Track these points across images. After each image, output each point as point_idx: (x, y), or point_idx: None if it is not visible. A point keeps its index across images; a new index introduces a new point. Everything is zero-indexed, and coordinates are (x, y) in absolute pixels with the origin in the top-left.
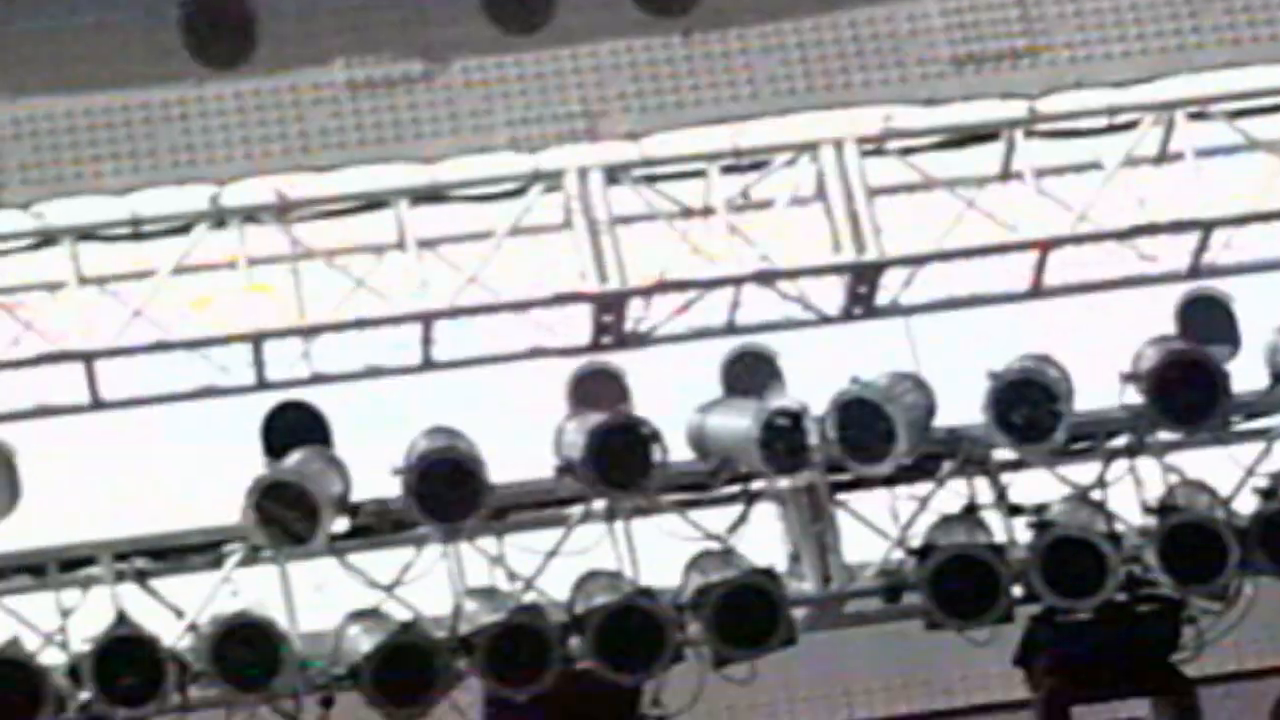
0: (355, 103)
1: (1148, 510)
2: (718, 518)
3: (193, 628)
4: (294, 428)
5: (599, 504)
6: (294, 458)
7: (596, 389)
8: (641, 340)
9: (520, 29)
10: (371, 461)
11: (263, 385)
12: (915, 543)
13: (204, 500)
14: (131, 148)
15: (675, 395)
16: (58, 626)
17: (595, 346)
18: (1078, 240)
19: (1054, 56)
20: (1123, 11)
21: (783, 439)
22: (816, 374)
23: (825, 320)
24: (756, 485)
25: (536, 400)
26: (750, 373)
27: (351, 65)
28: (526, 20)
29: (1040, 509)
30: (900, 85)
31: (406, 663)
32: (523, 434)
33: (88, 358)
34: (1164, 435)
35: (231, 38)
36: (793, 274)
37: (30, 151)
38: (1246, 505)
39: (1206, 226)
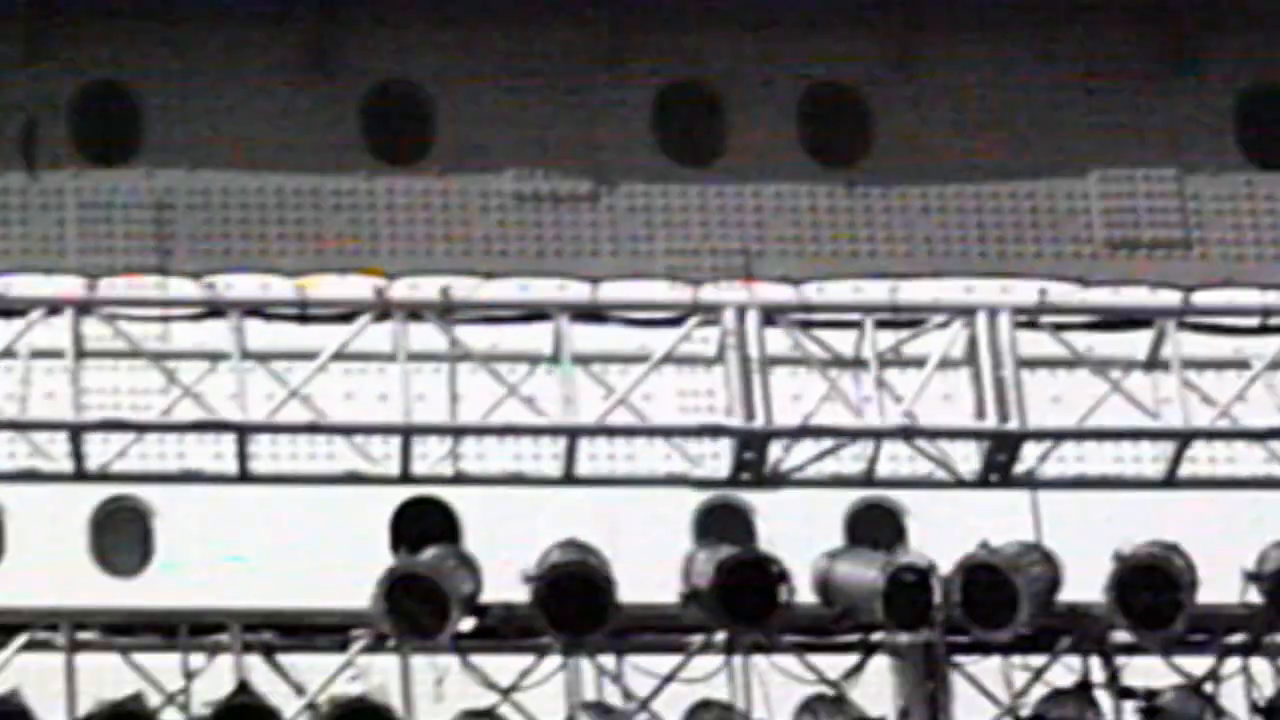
0: (520, 213)
1: (1256, 709)
2: (834, 663)
3: (311, 706)
4: (425, 523)
5: (720, 635)
6: (429, 553)
7: (722, 523)
8: (779, 481)
9: (689, 162)
10: (501, 563)
11: (406, 478)
12: (1024, 712)
13: (334, 581)
14: (300, 230)
15: (799, 538)
16: (180, 687)
17: (733, 481)
18: (1216, 436)
19: (1207, 251)
20: (1278, 214)
21: (907, 595)
22: (943, 533)
23: (961, 484)
24: (876, 636)
25: (672, 525)
26: (875, 527)
27: (521, 177)
28: (696, 154)
29: (1152, 694)
30: (1053, 261)
31: None
32: (655, 555)
33: (242, 430)
34: None
35: (409, 136)
36: (935, 434)
37: (201, 223)
38: None
39: None
